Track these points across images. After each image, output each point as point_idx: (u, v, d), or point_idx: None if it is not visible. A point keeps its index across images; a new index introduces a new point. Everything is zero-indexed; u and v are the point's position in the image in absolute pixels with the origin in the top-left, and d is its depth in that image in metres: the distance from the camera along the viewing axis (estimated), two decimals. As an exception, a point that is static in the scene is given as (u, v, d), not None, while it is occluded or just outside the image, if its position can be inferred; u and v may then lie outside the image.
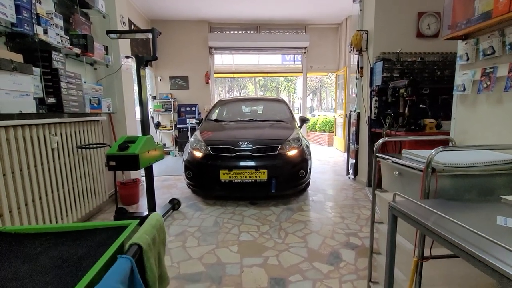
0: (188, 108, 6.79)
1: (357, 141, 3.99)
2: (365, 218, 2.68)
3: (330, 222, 2.60)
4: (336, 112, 7.83)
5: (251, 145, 2.98)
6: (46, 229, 0.77)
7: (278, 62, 8.50)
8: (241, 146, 2.98)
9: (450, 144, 1.56)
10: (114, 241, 0.65)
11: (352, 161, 4.19)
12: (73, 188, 2.42)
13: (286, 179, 2.98)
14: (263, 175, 2.91)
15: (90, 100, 2.61)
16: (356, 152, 4.02)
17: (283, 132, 3.32)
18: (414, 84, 2.88)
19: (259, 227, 2.51)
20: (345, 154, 6.66)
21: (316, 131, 9.62)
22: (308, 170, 3.16)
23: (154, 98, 6.71)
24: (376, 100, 3.48)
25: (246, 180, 2.93)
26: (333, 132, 8.31)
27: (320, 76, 26.79)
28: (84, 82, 2.67)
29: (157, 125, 6.55)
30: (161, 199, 3.38)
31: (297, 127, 3.71)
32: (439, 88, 3.46)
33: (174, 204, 2.96)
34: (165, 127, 6.78)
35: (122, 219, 2.53)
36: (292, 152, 3.04)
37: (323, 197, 3.35)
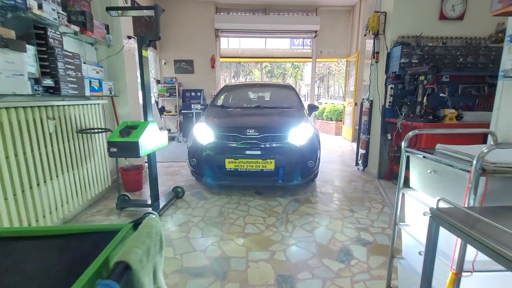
0: (193, 93, 6.63)
1: (368, 131, 3.81)
2: (376, 212, 2.56)
3: (339, 215, 2.49)
4: (344, 100, 7.58)
5: (258, 133, 2.84)
6: (29, 232, 0.66)
7: (286, 46, 8.19)
8: (248, 134, 2.84)
9: (492, 138, 1.38)
10: (103, 248, 0.53)
11: (362, 151, 4.03)
12: (73, 174, 2.33)
13: (293, 169, 2.86)
14: (270, 165, 2.79)
15: (90, 82, 2.47)
16: (367, 143, 3.86)
17: (292, 120, 3.16)
18: (436, 71, 2.67)
19: (265, 219, 2.42)
20: (353, 144, 6.48)
21: (323, 120, 9.40)
22: (317, 161, 3.02)
23: (158, 82, 6.55)
24: (391, 88, 3.28)
25: (253, 169, 2.81)
26: (341, 121, 8.09)
27: (328, 63, 26.10)
28: (84, 63, 2.52)
29: (162, 110, 6.43)
30: (165, 186, 3.31)
31: (306, 115, 3.54)
32: (460, 77, 3.23)
33: (178, 192, 2.88)
34: (170, 112, 6.65)
35: (124, 207, 2.46)
36: (301, 142, 2.90)
37: (331, 188, 3.23)
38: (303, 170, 2.93)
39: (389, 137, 3.43)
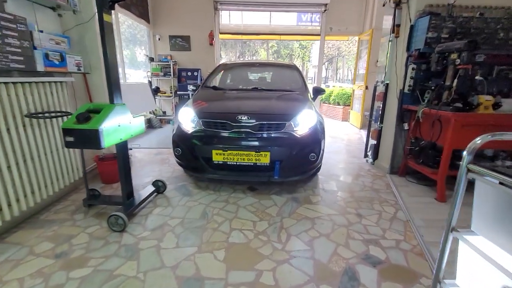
0: (189, 73, 6.12)
1: (381, 119, 3.33)
2: (388, 218, 2.15)
3: (344, 221, 2.09)
4: (354, 84, 6.98)
5: (252, 121, 2.40)
6: None
7: (293, 23, 7.49)
8: (240, 121, 2.40)
9: None
10: None
11: (372, 142, 3.57)
12: (33, 165, 1.96)
13: (292, 163, 2.44)
14: (264, 158, 2.37)
15: (46, 55, 2.04)
16: (379, 132, 3.39)
17: (293, 106, 2.71)
18: (474, 47, 2.15)
19: (255, 223, 2.04)
20: (361, 131, 5.99)
21: (329, 104, 8.84)
22: (321, 154, 2.59)
23: (152, 60, 6.04)
24: (413, 69, 2.75)
25: (244, 163, 2.41)
26: (349, 105, 7.54)
27: (338, 43, 24.87)
28: (41, 31, 2.08)
29: (156, 91, 5.97)
30: (150, 177, 2.94)
31: (310, 99, 3.06)
32: (498, 56, 2.68)
33: (159, 187, 2.51)
34: (165, 93, 6.20)
35: (92, 204, 2.09)
36: (303, 131, 2.46)
37: (335, 185, 2.82)
38: (303, 164, 2.51)
39: (406, 127, 2.95)
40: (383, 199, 2.50)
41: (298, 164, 2.49)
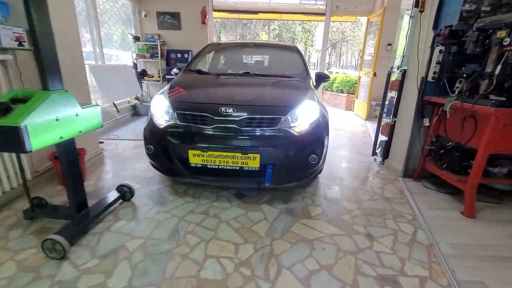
0: (179, 55, 5.54)
1: (395, 112, 2.83)
2: (406, 240, 1.71)
3: (351, 246, 1.65)
4: (361, 70, 6.40)
5: (239, 114, 1.92)
6: None
7: (295, 0, 6.79)
8: (224, 114, 1.91)
9: None
10: None
11: (382, 138, 3.09)
12: None
13: (288, 167, 1.98)
14: (253, 162, 1.91)
15: (-39, 23, 1.52)
16: (391, 128, 2.90)
17: (290, 95, 2.21)
18: (532, 22, 1.62)
19: (238, 247, 1.60)
20: (367, 123, 5.49)
21: (332, 91, 8.28)
22: (323, 155, 2.12)
23: (137, 39, 5.44)
24: (441, 51, 2.23)
25: (228, 167, 1.94)
26: (354, 93, 6.98)
27: (342, 27, 23.80)
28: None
29: (142, 74, 5.42)
30: (120, 177, 2.49)
31: (313, 87, 2.55)
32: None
33: (124, 193, 2.06)
34: (152, 77, 5.64)
35: (35, 216, 1.57)
36: (302, 128, 1.98)
37: (339, 191, 2.37)
38: (302, 168, 2.05)
39: (426, 123, 2.46)
40: (397, 212, 2.06)
41: (295, 168, 2.02)
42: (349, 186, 2.48)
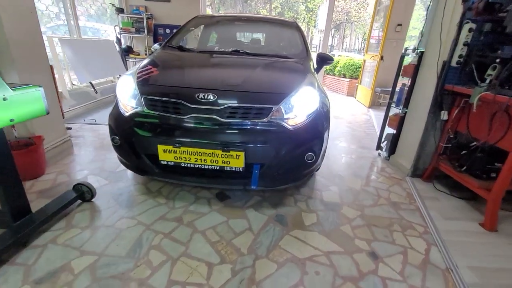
0: (167, 30, 5.03)
1: (406, 102, 2.46)
2: (418, 262, 1.41)
3: (352, 268, 1.35)
4: (366, 52, 5.92)
5: (221, 102, 1.54)
6: None
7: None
8: (202, 101, 1.54)
9: None
10: None
11: (390, 130, 2.74)
12: None
13: (279, 167, 1.64)
14: (236, 161, 1.56)
15: None
16: (401, 119, 2.54)
17: (285, 80, 1.83)
18: None
19: (212, 268, 1.29)
20: (370, 111, 5.10)
21: (334, 75, 7.80)
22: (322, 152, 1.78)
23: (121, 11, 4.90)
24: (471, 30, 1.83)
25: (206, 166, 1.60)
26: (357, 78, 6.54)
27: (347, 7, 22.68)
28: None
29: (127, 51, 4.94)
30: (85, 170, 2.15)
31: (313, 70, 2.16)
32: None
33: (82, 193, 1.72)
34: (138, 54, 5.15)
35: None
36: (298, 120, 1.62)
37: (338, 194, 2.05)
38: (296, 168, 1.71)
39: (445, 117, 2.10)
40: (406, 222, 1.75)
41: (287, 168, 1.68)
42: (350, 187, 2.16)
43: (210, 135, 1.53)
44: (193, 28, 2.79)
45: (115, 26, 4.87)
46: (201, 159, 1.57)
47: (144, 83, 1.69)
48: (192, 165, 1.60)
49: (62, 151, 2.43)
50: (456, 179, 1.99)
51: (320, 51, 7.07)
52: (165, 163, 1.61)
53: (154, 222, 1.60)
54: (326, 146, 1.87)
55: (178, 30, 2.66)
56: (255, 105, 1.56)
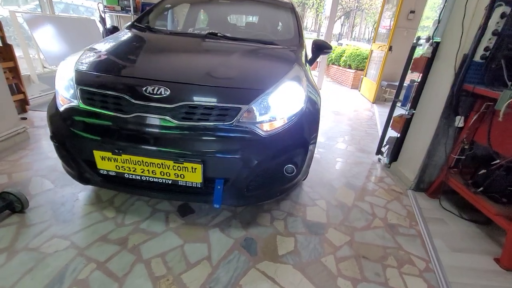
0: (156, 10, 4.58)
1: (414, 102, 2.09)
2: (415, 317, 1.10)
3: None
4: (374, 42, 5.44)
5: (174, 98, 1.20)
6: None
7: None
8: (150, 97, 1.20)
9: None
10: None
11: (393, 133, 2.38)
12: None
13: (250, 182, 1.31)
14: (192, 175, 1.23)
15: None
16: (407, 122, 2.18)
17: (263, 72, 1.45)
18: None
19: (144, 320, 0.99)
20: (374, 107, 4.68)
21: (339, 66, 7.33)
22: (307, 162, 1.45)
23: (105, -13, 4.46)
24: (503, 15, 1.43)
25: (154, 179, 1.27)
26: (363, 70, 6.08)
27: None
28: None
29: (112, 32, 4.52)
30: (30, 170, 1.84)
31: (304, 61, 1.77)
32: None
33: (11, 203, 1.42)
34: (125, 36, 4.74)
35: None
36: (276, 125, 1.29)
37: (326, 211, 1.72)
38: (271, 183, 1.38)
39: (460, 124, 1.74)
40: (404, 254, 1.43)
41: (260, 183, 1.36)
42: (340, 201, 1.83)
43: (159, 142, 1.20)
44: (169, 6, 2.40)
45: (99, 3, 4.45)
46: (148, 171, 1.25)
47: (82, 70, 1.34)
48: (137, 177, 1.27)
49: (13, 145, 2.12)
50: (468, 200, 1.65)
51: (323, 39, 6.56)
52: (105, 172, 1.29)
53: (91, 244, 1.30)
54: (313, 154, 1.54)
55: (150, 8, 2.27)
56: (218, 104, 1.21)
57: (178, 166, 1.21)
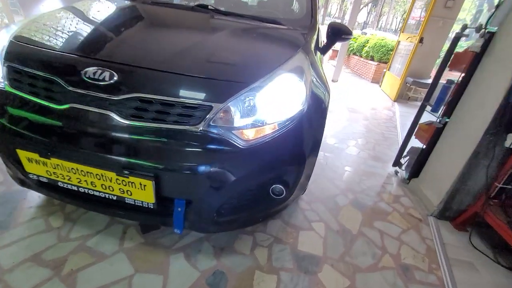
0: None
1: (450, 108, 1.67)
2: None
3: None
4: (402, 32, 4.84)
5: (122, 87, 0.87)
6: None
7: None
8: (90, 83, 0.87)
9: None
10: None
11: (416, 144, 1.98)
12: None
13: (221, 206, 0.99)
14: (141, 192, 0.92)
15: None
16: (437, 132, 1.76)
17: (252, 60, 1.07)
18: None
19: None
20: (395, 105, 4.15)
21: (360, 57, 6.74)
22: (302, 179, 1.12)
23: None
24: None
25: (95, 192, 0.97)
26: (387, 63, 5.51)
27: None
28: None
29: None
30: None
31: (311, 47, 1.37)
32: None
33: None
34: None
35: None
36: (262, 133, 0.94)
37: (323, 237, 1.39)
38: (252, 207, 1.06)
39: (510, 143, 1.32)
40: (420, 312, 1.08)
41: (237, 206, 1.04)
42: (343, 226, 1.49)
43: (98, 146, 0.88)
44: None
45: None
46: (86, 181, 0.94)
47: (15, 41, 1.02)
48: (74, 188, 0.98)
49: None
50: (508, 242, 1.27)
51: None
52: (35, 177, 1.00)
53: (18, 265, 1.03)
54: (314, 166, 1.21)
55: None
56: (179, 100, 0.87)
57: (123, 180, 0.90)
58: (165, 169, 0.88)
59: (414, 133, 2.00)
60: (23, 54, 0.97)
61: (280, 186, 1.04)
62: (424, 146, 1.87)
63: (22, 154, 0.94)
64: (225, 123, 0.91)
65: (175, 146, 0.88)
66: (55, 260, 1.07)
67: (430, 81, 4.36)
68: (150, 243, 1.20)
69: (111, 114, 0.87)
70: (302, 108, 1.02)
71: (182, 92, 0.88)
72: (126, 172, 0.88)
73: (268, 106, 0.95)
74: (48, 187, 1.05)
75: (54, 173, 0.95)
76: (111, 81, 0.87)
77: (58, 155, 0.90)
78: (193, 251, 1.19)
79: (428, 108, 1.88)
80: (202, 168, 0.88)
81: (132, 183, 0.90)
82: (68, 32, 1.10)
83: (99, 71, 0.88)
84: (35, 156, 0.93)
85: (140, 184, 0.89)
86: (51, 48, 0.97)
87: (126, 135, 0.87)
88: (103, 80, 0.87)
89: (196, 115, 0.88)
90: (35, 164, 0.95)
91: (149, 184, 0.88)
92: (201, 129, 0.88)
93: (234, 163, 0.92)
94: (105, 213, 1.12)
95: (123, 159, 0.87)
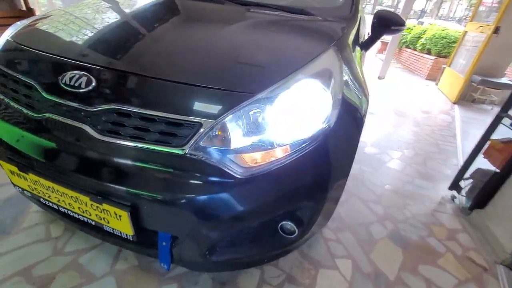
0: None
1: (541, 124, 1.23)
2: None
3: None
4: (471, 21, 4.06)
5: (98, 97, 0.72)
6: None
7: None
8: (66, 90, 0.73)
9: None
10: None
11: (485, 165, 1.55)
12: None
13: (215, 243, 0.80)
14: (118, 222, 0.77)
15: None
16: (517, 154, 1.33)
17: (263, 59, 0.83)
18: None
19: None
20: (456, 109, 3.47)
21: (414, 50, 5.94)
22: (319, 215, 0.87)
23: None
24: None
25: (75, 215, 0.85)
26: (447, 57, 4.74)
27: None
28: None
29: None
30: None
31: (349, 41, 1.08)
32: None
33: None
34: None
35: None
36: (269, 158, 0.72)
37: (348, 280, 1.12)
38: (255, 246, 0.85)
39: None
40: None
41: (236, 245, 0.84)
42: (377, 267, 1.19)
43: (70, 164, 0.75)
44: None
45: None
46: (64, 202, 0.82)
47: (16, 41, 0.94)
48: (54, 206, 0.87)
49: None
50: None
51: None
52: (20, 189, 0.92)
53: (5, 280, 0.97)
54: (340, 195, 0.95)
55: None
56: (161, 114, 0.68)
57: (97, 207, 0.76)
58: (143, 199, 0.71)
59: (483, 151, 1.56)
60: (11, 54, 0.89)
61: (291, 224, 0.81)
62: (497, 170, 1.44)
63: (5, 166, 0.86)
64: (219, 143, 0.70)
65: (155, 171, 0.70)
66: (43, 277, 0.99)
67: (503, 80, 3.61)
68: (144, 267, 1.07)
69: (84, 128, 0.72)
70: (325, 126, 0.76)
71: (165, 104, 0.69)
72: (99, 198, 0.73)
73: (279, 123, 0.72)
74: (37, 200, 0.97)
75: (34, 189, 0.85)
76: (88, 88, 0.72)
77: (34, 171, 0.80)
78: (188, 283, 1.03)
79: (507, 121, 1.44)
80: (186, 201, 0.70)
81: (107, 211, 0.75)
82: (58, 32, 0.98)
83: (76, 76, 0.74)
84: (15, 169, 0.83)
85: (115, 214, 0.74)
86: (37, 49, 0.86)
87: (99, 154, 0.72)
88: (79, 87, 0.73)
89: (181, 134, 0.68)
90: (17, 178, 0.87)
91: (124, 215, 0.73)
92: (186, 151, 0.68)
93: (228, 196, 0.71)
94: (91, 234, 1.01)
95: (96, 182, 0.72)
